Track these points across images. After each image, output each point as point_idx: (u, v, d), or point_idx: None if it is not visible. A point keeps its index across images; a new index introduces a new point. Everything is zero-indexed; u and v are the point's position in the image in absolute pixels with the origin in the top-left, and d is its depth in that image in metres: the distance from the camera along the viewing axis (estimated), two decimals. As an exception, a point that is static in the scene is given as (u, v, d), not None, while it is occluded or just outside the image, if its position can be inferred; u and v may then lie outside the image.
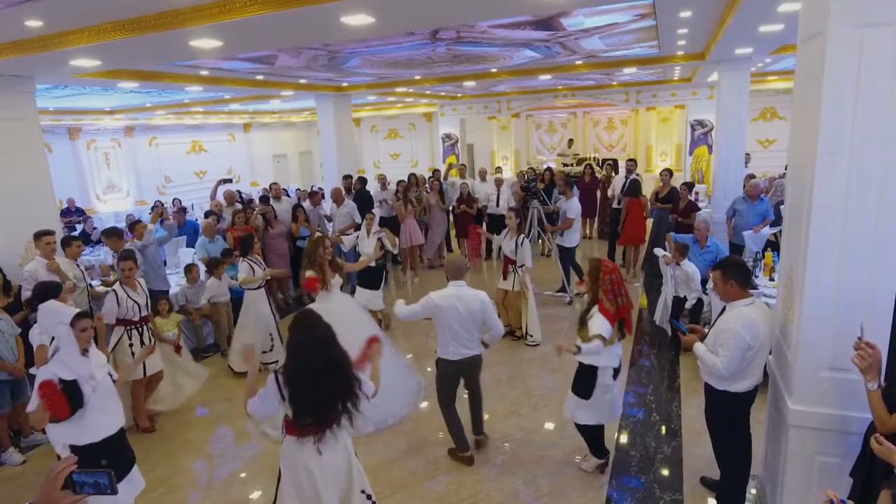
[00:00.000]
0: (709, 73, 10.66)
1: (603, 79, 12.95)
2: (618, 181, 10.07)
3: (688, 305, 6.07)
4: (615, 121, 18.15)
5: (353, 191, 10.04)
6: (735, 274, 3.27)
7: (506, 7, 4.68)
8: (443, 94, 15.47)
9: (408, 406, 5.28)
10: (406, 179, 10.44)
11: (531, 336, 6.69)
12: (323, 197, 10.30)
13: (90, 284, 5.91)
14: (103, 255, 9.27)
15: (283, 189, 10.07)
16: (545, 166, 13.82)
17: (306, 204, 9.38)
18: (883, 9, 2.53)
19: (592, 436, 4.16)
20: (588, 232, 12.02)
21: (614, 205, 9.93)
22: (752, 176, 9.33)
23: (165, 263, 7.44)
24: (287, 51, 6.82)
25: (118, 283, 5.07)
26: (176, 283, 7.19)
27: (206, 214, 8.88)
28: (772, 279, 5.89)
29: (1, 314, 4.80)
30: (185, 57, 5.89)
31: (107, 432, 3.28)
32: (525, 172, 12.41)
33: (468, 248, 10.49)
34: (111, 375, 3.39)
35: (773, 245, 7.04)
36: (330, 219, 9.38)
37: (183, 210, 10.69)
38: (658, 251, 6.55)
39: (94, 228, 11.08)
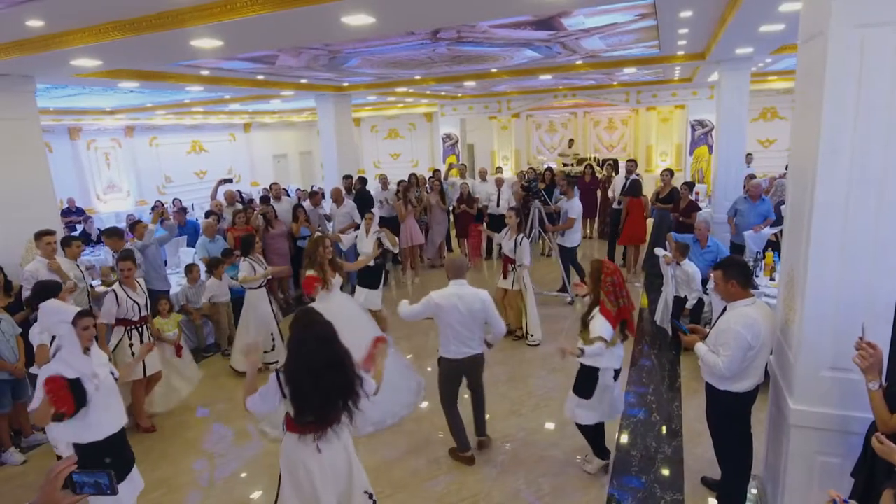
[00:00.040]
0: (709, 73, 10.66)
1: (603, 79, 12.95)
2: (618, 181, 10.08)
3: (688, 305, 6.07)
4: (615, 121, 18.15)
5: (354, 191, 10.05)
6: (736, 274, 3.27)
7: (506, 7, 4.68)
8: (443, 94, 15.47)
9: (407, 406, 5.28)
10: (406, 179, 10.45)
11: (532, 336, 6.69)
12: (323, 197, 10.31)
13: (91, 285, 5.91)
14: (104, 255, 9.27)
15: (284, 189, 10.07)
16: (545, 166, 13.81)
17: (307, 204, 9.37)
18: (884, 8, 2.53)
19: (593, 435, 4.16)
20: (588, 232, 12.02)
21: (614, 205, 9.94)
22: (752, 176, 9.34)
23: (166, 263, 7.44)
24: (287, 51, 6.82)
25: (118, 283, 5.07)
26: (176, 283, 7.19)
27: (207, 214, 8.88)
28: (772, 279, 5.89)
29: (1, 314, 4.80)
30: (186, 57, 5.89)
31: (109, 431, 3.28)
32: (525, 172, 12.40)
33: (468, 248, 10.50)
34: (113, 374, 3.39)
35: (774, 245, 7.04)
36: (330, 218, 9.38)
37: (183, 210, 10.69)
38: (659, 251, 6.55)
39: (97, 229, 11.08)
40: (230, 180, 15.68)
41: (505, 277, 6.77)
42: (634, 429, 4.84)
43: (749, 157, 12.39)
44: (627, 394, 5.36)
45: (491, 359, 4.52)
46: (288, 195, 10.57)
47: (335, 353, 2.86)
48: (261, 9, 3.95)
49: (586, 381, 3.96)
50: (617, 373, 4.01)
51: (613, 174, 12.07)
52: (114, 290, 4.96)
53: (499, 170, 13.26)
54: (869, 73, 2.59)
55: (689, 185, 8.95)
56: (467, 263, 4.58)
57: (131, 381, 4.92)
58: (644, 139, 17.35)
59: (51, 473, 1.83)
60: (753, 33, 6.25)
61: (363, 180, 10.50)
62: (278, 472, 3.07)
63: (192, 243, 8.81)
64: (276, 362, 6.05)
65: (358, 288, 6.90)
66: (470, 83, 11.38)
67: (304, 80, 9.90)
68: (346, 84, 10.97)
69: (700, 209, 8.79)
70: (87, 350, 3.24)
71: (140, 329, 5.08)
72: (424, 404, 5.42)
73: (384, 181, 10.37)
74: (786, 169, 11.93)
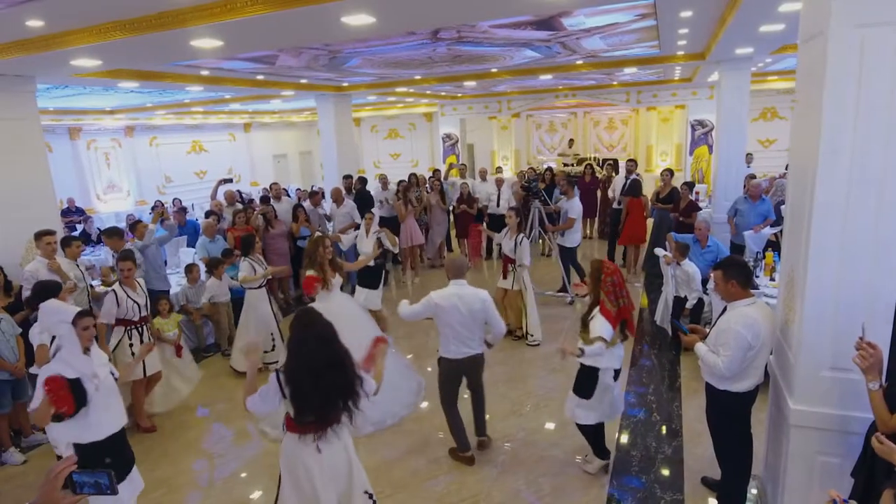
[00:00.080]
0: (709, 72, 10.66)
1: (603, 79, 12.95)
2: (618, 182, 10.08)
3: (688, 305, 6.07)
4: (615, 121, 18.14)
5: (354, 191, 10.05)
6: (736, 274, 3.27)
7: (507, 7, 4.68)
8: (443, 93, 15.47)
9: (407, 406, 5.28)
10: (406, 179, 10.45)
11: (532, 336, 6.69)
12: (323, 197, 10.31)
13: (91, 285, 5.91)
14: (104, 255, 9.28)
15: (284, 189, 10.08)
16: (545, 166, 13.82)
17: (307, 204, 9.38)
18: (884, 8, 2.53)
19: (593, 435, 4.16)
20: (588, 232, 12.02)
21: (614, 205, 9.94)
22: (752, 176, 9.33)
23: (166, 263, 7.44)
24: (288, 51, 6.82)
25: (117, 283, 5.07)
26: (176, 283, 7.19)
27: (207, 214, 8.88)
28: (772, 279, 5.89)
29: (2, 314, 4.80)
30: (186, 57, 5.89)
31: (110, 430, 3.29)
32: (525, 172, 12.41)
33: (468, 248, 10.50)
34: (113, 374, 3.40)
35: (774, 245, 7.04)
36: (330, 218, 9.38)
37: (183, 210, 10.69)
38: (659, 251, 6.56)
39: (97, 229, 11.08)
40: (230, 180, 15.68)
41: (505, 277, 6.77)
42: (634, 429, 4.84)
43: (749, 157, 12.39)
44: (627, 394, 5.36)
45: (491, 359, 4.52)
46: (288, 195, 10.57)
47: (335, 352, 2.86)
48: (261, 9, 3.95)
49: (586, 381, 3.96)
50: (617, 373, 4.01)
51: (613, 174, 12.08)
52: (114, 290, 4.96)
53: (499, 170, 13.26)
54: (869, 73, 2.59)
55: (690, 185, 8.95)
56: (467, 263, 4.58)
57: (131, 381, 4.93)
58: (644, 139, 17.35)
59: (50, 474, 1.83)
60: (753, 33, 6.25)
61: (363, 180, 10.50)
62: (278, 473, 3.08)
63: (192, 243, 8.81)
64: (276, 362, 6.04)
65: (358, 288, 6.90)
66: (470, 83, 11.38)
67: (304, 80, 9.90)
68: (346, 84, 10.98)
69: (700, 209, 8.79)
70: (87, 350, 3.24)
71: (140, 329, 5.08)
72: (424, 404, 5.42)
73: (384, 181, 10.38)
74: (786, 169, 11.95)
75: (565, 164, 15.64)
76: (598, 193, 11.82)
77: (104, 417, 3.25)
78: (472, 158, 18.84)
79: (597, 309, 3.88)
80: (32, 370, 4.54)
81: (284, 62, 7.66)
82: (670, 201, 8.66)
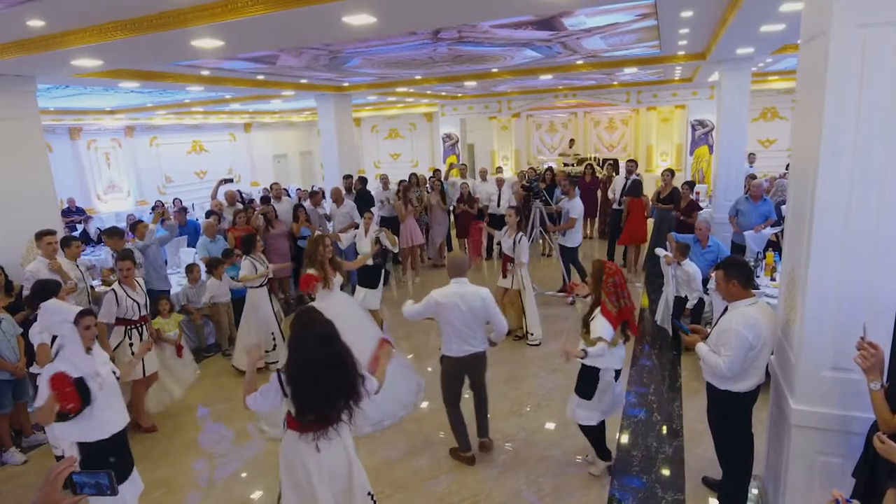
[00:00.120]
0: (710, 72, 10.66)
1: (604, 79, 12.95)
2: (618, 182, 10.07)
3: (689, 305, 6.06)
4: (616, 121, 18.14)
5: (354, 191, 10.06)
6: (737, 274, 3.26)
7: (507, 7, 4.68)
8: (443, 94, 15.47)
9: (406, 407, 5.28)
10: (407, 179, 10.45)
11: (531, 335, 6.69)
12: (323, 197, 10.32)
13: (91, 286, 5.90)
14: (104, 255, 9.28)
15: (284, 189, 10.08)
16: (546, 166, 13.82)
17: (307, 204, 9.39)
18: (885, 8, 2.53)
19: (595, 436, 4.15)
20: (589, 232, 12.02)
21: (614, 206, 9.94)
22: (753, 176, 9.34)
23: (166, 263, 7.44)
24: (288, 51, 6.82)
25: (117, 282, 5.07)
26: (177, 283, 7.19)
27: (208, 214, 8.89)
28: (773, 279, 5.89)
29: (2, 314, 4.80)
30: (187, 57, 5.89)
31: (114, 429, 3.29)
32: (526, 172, 12.41)
33: (469, 246, 10.50)
34: (115, 373, 3.40)
35: (775, 245, 7.04)
36: (330, 218, 9.39)
37: (184, 210, 10.70)
38: (659, 251, 6.55)
39: (97, 229, 11.08)
40: (231, 180, 15.69)
41: (504, 276, 6.78)
42: (635, 429, 4.84)
43: (752, 157, 12.41)
44: (628, 394, 5.36)
45: (491, 359, 4.52)
46: (288, 195, 10.57)
47: (336, 352, 2.86)
48: (262, 9, 3.95)
49: (587, 381, 3.96)
50: (618, 373, 4.01)
51: (614, 174, 12.07)
52: (113, 290, 4.96)
53: (499, 170, 13.26)
54: (870, 72, 2.59)
55: (690, 185, 8.94)
56: (468, 262, 4.57)
57: (131, 381, 4.93)
58: (644, 139, 17.35)
59: (50, 474, 1.82)
60: (754, 33, 6.25)
61: (363, 180, 10.51)
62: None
63: (192, 243, 8.82)
64: (276, 362, 6.04)
65: (357, 287, 6.91)
66: (470, 83, 11.38)
67: (304, 80, 9.90)
68: (346, 84, 10.98)
69: (701, 208, 8.79)
70: (88, 349, 3.24)
71: (140, 329, 5.08)
72: (425, 404, 5.42)
73: (385, 181, 10.39)
74: (786, 169, 11.96)
75: (566, 164, 15.64)
76: (599, 193, 11.82)
77: (108, 416, 3.25)
78: (472, 158, 18.84)
79: (598, 309, 3.88)
80: (33, 370, 4.54)
81: (285, 62, 7.66)
82: (671, 201, 8.66)
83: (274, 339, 6.30)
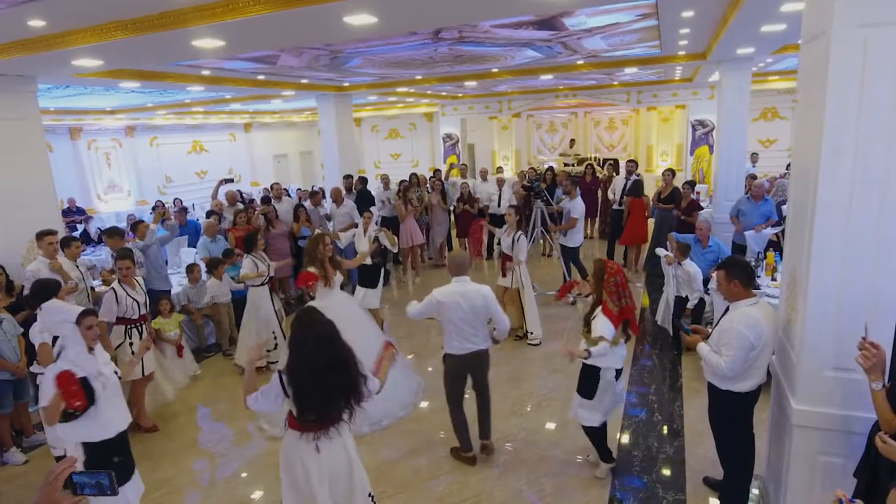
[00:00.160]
0: (710, 72, 10.66)
1: (604, 79, 12.95)
2: (618, 182, 10.07)
3: (690, 305, 6.06)
4: (616, 121, 18.14)
5: (355, 190, 10.06)
6: (739, 274, 3.26)
7: (508, 7, 4.68)
8: (444, 94, 15.47)
9: (405, 407, 5.28)
10: (407, 179, 10.46)
11: (531, 334, 6.69)
12: (324, 197, 10.32)
13: (92, 287, 5.89)
14: (104, 255, 9.28)
15: (284, 189, 10.08)
16: (546, 166, 13.82)
17: (307, 204, 9.39)
18: (886, 8, 2.53)
19: (598, 438, 4.15)
20: (589, 232, 12.02)
21: (615, 206, 9.94)
22: (753, 177, 9.33)
23: (167, 263, 7.44)
24: (289, 51, 6.82)
25: (116, 281, 5.07)
26: (178, 283, 7.19)
27: (208, 214, 8.89)
28: (774, 279, 5.88)
29: (3, 314, 4.80)
30: (187, 57, 5.89)
31: (119, 428, 3.30)
32: (527, 172, 12.41)
33: (470, 245, 10.50)
34: (116, 373, 3.40)
35: (775, 245, 7.04)
36: (330, 218, 9.40)
37: (184, 210, 10.70)
38: (660, 251, 6.55)
39: (98, 229, 11.08)
40: (231, 180, 15.67)
41: (504, 275, 6.78)
42: (636, 429, 4.84)
43: (755, 157, 12.41)
44: (629, 394, 5.36)
45: (492, 358, 4.51)
46: (289, 195, 10.57)
47: (337, 352, 2.85)
48: (263, 9, 3.95)
49: (588, 380, 3.96)
50: (619, 372, 4.01)
51: (614, 174, 12.07)
52: (113, 289, 4.96)
53: (499, 170, 13.27)
54: (872, 72, 2.58)
55: (691, 184, 8.94)
56: (469, 260, 4.57)
57: (130, 381, 4.93)
58: (645, 139, 17.35)
59: (50, 475, 1.82)
60: (755, 33, 6.24)
61: (364, 180, 10.52)
62: (282, 472, 3.08)
63: (192, 243, 8.81)
64: (277, 361, 6.04)
65: (358, 287, 6.92)
66: (471, 83, 11.38)
67: (304, 80, 9.90)
68: (346, 84, 10.98)
69: (702, 208, 8.78)
70: (90, 350, 3.25)
71: (140, 328, 5.09)
72: (425, 404, 5.42)
73: (386, 181, 10.39)
74: (787, 169, 11.96)
75: (566, 164, 15.63)
76: (599, 193, 11.82)
77: (112, 416, 3.26)
78: (472, 158, 18.84)
79: (599, 308, 3.88)
80: (33, 369, 4.55)
81: (285, 62, 7.66)
82: (672, 201, 8.66)
83: (275, 338, 6.30)
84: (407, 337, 7.09)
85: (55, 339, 3.38)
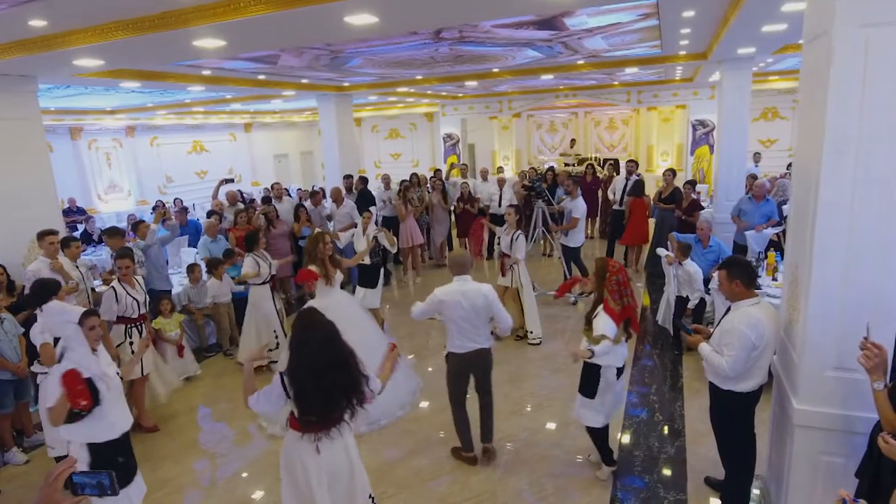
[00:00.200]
0: (710, 72, 10.65)
1: (604, 78, 12.95)
2: (618, 183, 10.07)
3: (690, 305, 6.06)
4: (616, 121, 18.14)
5: (356, 190, 10.06)
6: (740, 273, 3.26)
7: (509, 7, 4.68)
8: (444, 93, 15.47)
9: (403, 407, 5.28)
10: (408, 179, 10.46)
11: (531, 333, 6.69)
12: (324, 197, 10.32)
13: (92, 287, 5.89)
14: (105, 254, 9.27)
15: (285, 189, 10.08)
16: (547, 166, 13.82)
17: (308, 204, 9.39)
18: (888, 8, 2.52)
19: (601, 439, 4.14)
20: (590, 232, 12.02)
21: (615, 206, 9.93)
22: (754, 177, 9.33)
23: (167, 263, 7.44)
24: (289, 51, 6.82)
25: (116, 280, 5.07)
26: (178, 283, 7.19)
27: (209, 214, 8.89)
28: (775, 279, 5.88)
29: (4, 314, 4.80)
30: (188, 57, 5.89)
31: (123, 428, 3.31)
32: (527, 172, 12.41)
33: (470, 245, 10.49)
34: (118, 374, 3.40)
35: (776, 245, 7.03)
36: (331, 218, 9.40)
37: (185, 210, 10.70)
38: (661, 251, 6.55)
39: (98, 229, 11.08)
40: (232, 180, 15.64)
41: (504, 275, 6.78)
42: (637, 429, 4.84)
43: (757, 156, 12.41)
44: (630, 394, 5.36)
45: (494, 358, 4.50)
46: (289, 195, 10.57)
47: (338, 352, 2.85)
48: (264, 8, 3.95)
49: (589, 379, 3.96)
50: (620, 371, 4.01)
51: (614, 174, 12.07)
52: (113, 287, 4.96)
53: (500, 170, 13.26)
54: (873, 72, 2.58)
55: (692, 184, 8.93)
56: (471, 260, 4.57)
57: (129, 380, 4.93)
58: (645, 139, 17.35)
59: (50, 476, 1.82)
60: (756, 33, 6.24)
61: (364, 180, 10.52)
62: (283, 472, 3.08)
63: (193, 243, 8.82)
64: (277, 361, 6.04)
65: (358, 287, 6.92)
66: (471, 83, 11.38)
67: (305, 80, 9.90)
68: (347, 84, 10.98)
69: (703, 208, 8.78)
70: (93, 350, 3.24)
71: (139, 327, 5.09)
72: (425, 404, 5.42)
73: (387, 181, 10.40)
74: (787, 169, 11.96)
75: (567, 164, 15.63)
76: (600, 193, 11.82)
77: (116, 416, 3.26)
78: (472, 158, 18.84)
79: (600, 307, 3.88)
80: (34, 369, 4.55)
81: (286, 62, 7.66)
82: (672, 201, 8.66)
83: (276, 337, 6.30)
84: (408, 337, 7.09)
85: (56, 339, 3.37)
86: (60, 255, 5.45)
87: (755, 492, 3.75)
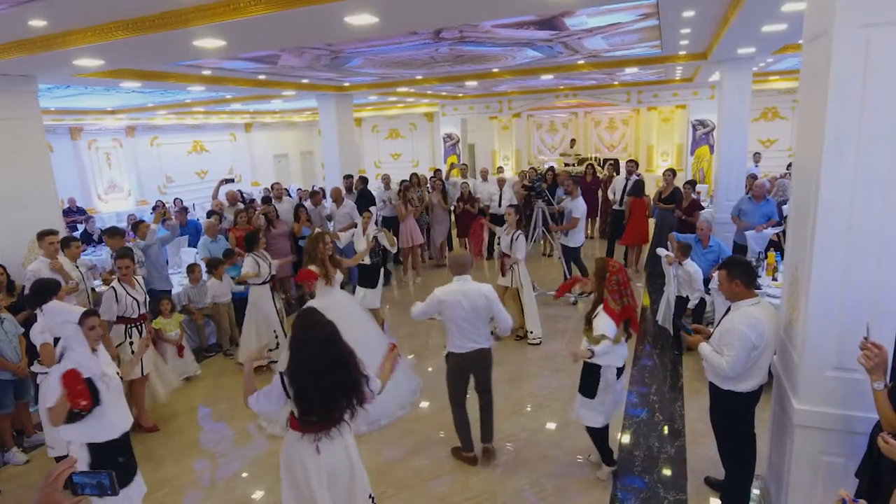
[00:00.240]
0: (710, 72, 10.65)
1: (604, 78, 12.95)
2: (618, 183, 10.07)
3: (690, 305, 6.06)
4: (616, 121, 18.14)
5: (356, 190, 10.06)
6: (740, 273, 3.26)
7: (509, 7, 4.68)
8: (444, 93, 15.47)
9: (403, 407, 5.28)
10: (408, 179, 10.46)
11: (531, 333, 6.69)
12: (324, 197, 10.33)
13: (92, 287, 5.89)
14: (105, 254, 9.28)
15: (285, 189, 10.08)
16: (547, 166, 13.82)
17: (308, 203, 9.39)
18: (888, 8, 2.52)
19: (601, 438, 4.14)
20: (590, 232, 12.02)
21: (615, 206, 9.93)
22: (754, 177, 9.33)
23: (167, 263, 7.44)
24: (290, 51, 6.82)
25: (116, 279, 5.07)
26: (178, 283, 7.19)
27: (209, 214, 8.89)
28: (775, 279, 5.88)
29: (4, 314, 4.80)
30: (188, 57, 5.89)
31: (123, 428, 3.31)
32: (527, 172, 12.41)
33: (470, 245, 10.49)
34: (118, 374, 3.40)
35: (776, 245, 7.04)
36: (331, 218, 9.40)
37: (185, 210, 10.70)
38: (661, 251, 6.55)
39: (98, 229, 11.08)
40: (232, 180, 15.64)
41: (503, 275, 6.78)
42: (637, 429, 4.84)
43: (758, 156, 12.42)
44: (630, 394, 5.36)
45: (494, 358, 4.50)
46: (289, 195, 10.57)
47: (337, 352, 2.85)
48: (264, 9, 3.95)
49: (589, 379, 3.96)
50: (620, 371, 4.01)
51: (614, 174, 12.07)
52: (113, 287, 4.96)
53: (500, 170, 13.26)
54: (874, 72, 2.58)
55: (692, 184, 8.93)
56: (471, 259, 4.57)
57: (129, 380, 4.93)
58: (645, 139, 17.35)
59: (50, 476, 1.81)
60: (756, 33, 6.24)
61: (364, 180, 10.52)
62: (283, 472, 3.07)
63: (193, 243, 8.82)
64: (277, 361, 6.04)
65: (358, 287, 6.92)
66: (471, 83, 11.38)
67: (305, 80, 9.90)
68: (347, 84, 10.98)
69: (703, 208, 8.78)
70: (93, 350, 3.24)
71: (139, 327, 5.09)
72: (425, 404, 5.42)
73: (387, 181, 10.40)
74: (787, 169, 11.96)
75: (567, 164, 15.63)
76: (600, 193, 11.82)
77: (116, 416, 3.26)
78: (472, 158, 18.84)
79: (600, 307, 3.88)
80: (34, 369, 4.55)
81: (286, 62, 7.66)
82: (672, 201, 8.66)
83: (276, 337, 6.30)
84: (408, 337, 7.09)
85: (56, 339, 3.37)
86: (60, 255, 5.45)
87: (755, 492, 3.75)
